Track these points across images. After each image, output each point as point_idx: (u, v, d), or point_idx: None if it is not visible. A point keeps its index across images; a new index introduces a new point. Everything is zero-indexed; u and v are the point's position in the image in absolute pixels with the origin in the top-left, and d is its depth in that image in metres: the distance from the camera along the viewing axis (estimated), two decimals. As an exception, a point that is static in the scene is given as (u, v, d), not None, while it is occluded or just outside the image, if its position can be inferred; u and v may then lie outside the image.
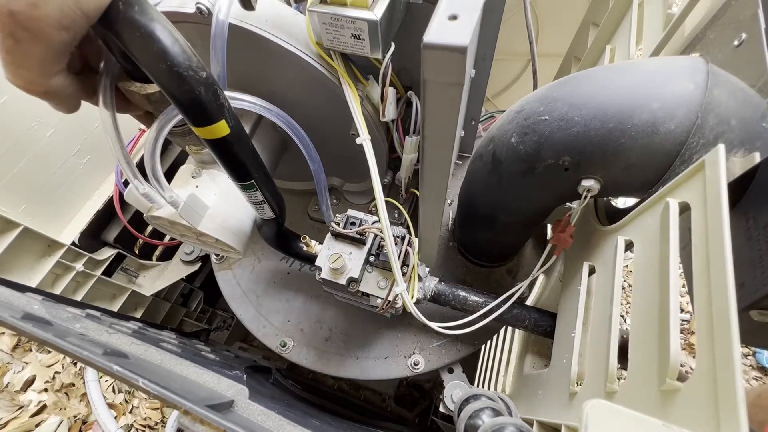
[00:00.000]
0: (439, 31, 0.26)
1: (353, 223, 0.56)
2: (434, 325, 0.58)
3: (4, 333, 1.33)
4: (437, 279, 0.64)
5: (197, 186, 0.53)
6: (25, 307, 0.55)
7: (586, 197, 0.47)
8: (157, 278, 1.03)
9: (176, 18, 0.45)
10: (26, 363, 1.32)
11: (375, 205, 0.49)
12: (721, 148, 0.33)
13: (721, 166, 0.32)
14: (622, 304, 1.39)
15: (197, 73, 0.29)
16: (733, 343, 0.26)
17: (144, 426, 1.32)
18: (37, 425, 1.22)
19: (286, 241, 0.62)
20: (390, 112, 0.54)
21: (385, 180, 0.78)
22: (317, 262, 0.55)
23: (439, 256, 0.81)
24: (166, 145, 1.01)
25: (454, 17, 0.27)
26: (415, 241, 0.57)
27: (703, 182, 0.34)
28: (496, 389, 0.80)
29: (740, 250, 0.39)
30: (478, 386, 0.91)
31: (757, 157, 0.38)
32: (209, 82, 0.30)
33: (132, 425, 1.30)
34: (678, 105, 0.40)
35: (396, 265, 0.50)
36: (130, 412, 1.33)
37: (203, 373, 0.55)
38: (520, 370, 0.73)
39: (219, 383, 0.54)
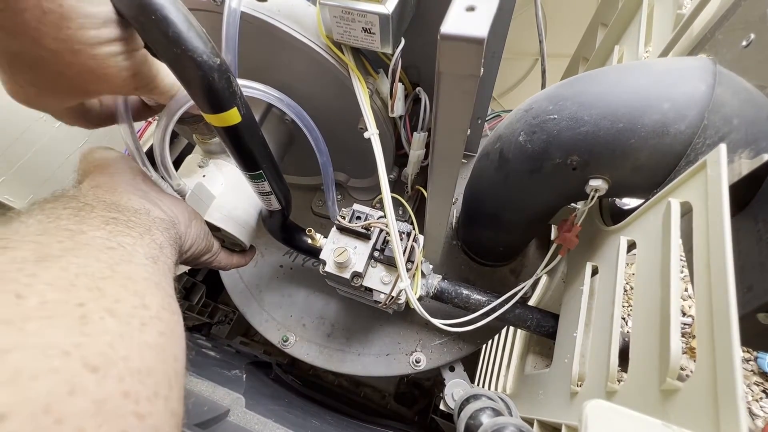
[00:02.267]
0: (456, 21, 0.26)
1: (359, 218, 0.56)
2: (437, 322, 0.58)
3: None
4: (440, 276, 0.64)
5: (204, 176, 0.53)
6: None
7: (593, 197, 0.47)
8: (159, 271, 1.02)
9: (189, 5, 0.44)
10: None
11: (379, 201, 0.49)
12: (722, 147, 0.33)
13: (722, 166, 0.32)
14: (624, 306, 1.39)
15: (211, 59, 0.29)
16: (733, 342, 0.26)
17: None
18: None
19: (291, 233, 0.62)
20: (399, 108, 0.54)
21: (391, 176, 0.78)
22: (322, 256, 0.55)
23: (443, 254, 0.81)
24: (172, 138, 1.01)
25: (471, 8, 0.27)
26: (420, 237, 0.57)
27: (704, 182, 0.34)
28: (496, 389, 0.80)
29: (749, 253, 0.39)
30: (478, 385, 0.91)
31: (765, 157, 0.38)
32: (223, 69, 0.30)
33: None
34: (688, 106, 0.40)
35: (401, 260, 0.50)
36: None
37: (199, 381, 0.55)
38: (522, 370, 0.73)
39: (214, 392, 0.54)
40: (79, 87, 0.29)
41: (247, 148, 0.37)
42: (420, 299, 0.58)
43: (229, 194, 0.53)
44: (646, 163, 0.42)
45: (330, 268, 0.54)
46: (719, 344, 0.27)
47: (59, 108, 0.32)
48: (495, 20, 0.27)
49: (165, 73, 0.34)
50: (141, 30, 0.28)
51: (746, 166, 0.39)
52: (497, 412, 0.51)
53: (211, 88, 0.30)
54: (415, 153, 0.62)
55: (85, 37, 0.26)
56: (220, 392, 0.54)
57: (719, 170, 0.32)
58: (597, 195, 0.46)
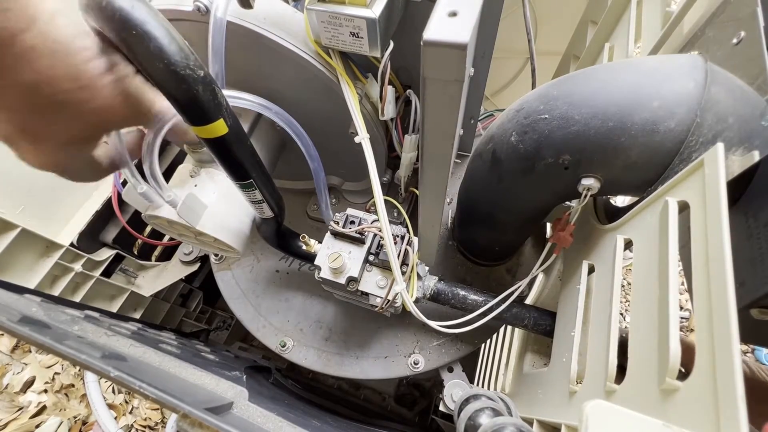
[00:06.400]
0: (438, 27, 0.26)
1: (353, 222, 0.56)
2: (434, 324, 0.58)
3: (2, 335, 1.33)
4: (436, 278, 0.64)
5: (195, 185, 0.52)
6: (23, 309, 0.54)
7: (586, 196, 0.47)
8: (156, 279, 1.02)
9: (174, 16, 0.44)
10: (26, 364, 1.32)
11: (374, 204, 0.49)
12: (720, 146, 0.33)
13: (720, 165, 0.32)
14: (621, 302, 1.39)
15: (195, 71, 0.28)
16: (733, 342, 0.26)
17: (144, 426, 1.32)
18: (37, 426, 1.21)
19: (285, 239, 0.62)
20: (389, 111, 0.54)
21: (384, 179, 0.78)
22: (316, 261, 0.55)
23: (439, 255, 0.81)
24: (165, 145, 1.01)
25: (453, 14, 0.27)
26: (415, 240, 0.57)
27: (702, 181, 0.34)
28: (495, 388, 0.80)
29: (740, 249, 0.39)
30: (477, 385, 0.91)
31: (756, 156, 0.38)
32: (207, 81, 0.29)
33: (132, 426, 1.30)
34: (678, 103, 0.40)
35: (395, 264, 0.50)
36: (130, 412, 1.33)
37: (202, 374, 0.55)
38: (520, 369, 0.73)
39: (218, 385, 0.54)
40: (95, 124, 0.30)
41: (235, 159, 0.37)
42: (417, 301, 0.58)
43: (221, 203, 0.52)
44: (637, 161, 0.42)
45: (325, 273, 0.54)
46: (719, 344, 0.27)
47: (79, 157, 0.34)
48: (483, 21, 0.27)
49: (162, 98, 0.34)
50: (124, 46, 0.27)
51: (738, 164, 0.39)
52: (497, 412, 0.51)
53: (196, 101, 0.29)
54: (407, 155, 0.62)
55: (91, 68, 0.27)
56: (223, 385, 0.54)
57: (717, 169, 0.32)
58: (590, 194, 0.47)
